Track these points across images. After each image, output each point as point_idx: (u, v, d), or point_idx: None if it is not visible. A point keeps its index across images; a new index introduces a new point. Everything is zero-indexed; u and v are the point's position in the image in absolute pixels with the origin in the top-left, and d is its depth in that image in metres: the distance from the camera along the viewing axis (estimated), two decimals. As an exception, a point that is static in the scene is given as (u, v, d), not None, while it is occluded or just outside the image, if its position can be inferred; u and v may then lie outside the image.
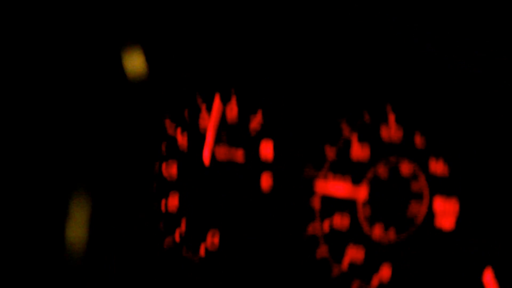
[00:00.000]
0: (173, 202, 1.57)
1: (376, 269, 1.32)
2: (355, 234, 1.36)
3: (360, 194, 1.35)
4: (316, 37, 1.43)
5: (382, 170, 1.34)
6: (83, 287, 1.53)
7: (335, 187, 1.38)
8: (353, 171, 1.37)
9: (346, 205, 1.37)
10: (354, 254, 1.35)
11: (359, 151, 1.37)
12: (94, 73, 1.61)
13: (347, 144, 1.39)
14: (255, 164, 1.48)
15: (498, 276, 1.18)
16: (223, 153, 1.52)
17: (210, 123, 1.53)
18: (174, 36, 1.57)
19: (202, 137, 1.54)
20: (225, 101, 1.54)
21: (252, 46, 1.51)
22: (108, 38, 1.57)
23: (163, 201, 1.59)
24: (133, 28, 1.60)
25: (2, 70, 1.56)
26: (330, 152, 1.40)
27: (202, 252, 1.52)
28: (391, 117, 1.34)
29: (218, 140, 1.53)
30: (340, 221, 1.38)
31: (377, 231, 1.33)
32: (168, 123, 1.60)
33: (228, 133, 1.52)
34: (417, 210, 1.28)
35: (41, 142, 1.58)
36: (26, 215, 1.55)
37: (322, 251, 1.39)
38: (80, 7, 1.55)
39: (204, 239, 1.53)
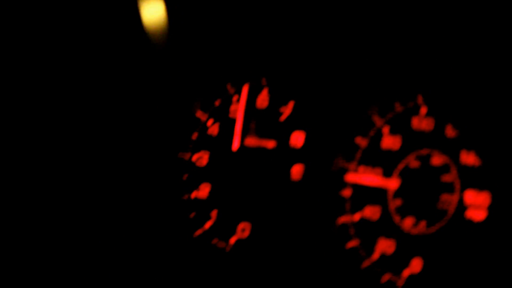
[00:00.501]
0: (203, 191, 1.58)
1: (406, 261, 1.32)
2: (386, 226, 1.35)
3: (391, 185, 1.34)
4: (348, 28, 1.43)
5: (413, 162, 1.33)
6: (112, 274, 1.54)
7: (365, 177, 1.38)
8: (384, 163, 1.37)
9: (377, 197, 1.36)
10: (384, 246, 1.35)
11: (390, 142, 1.36)
12: (127, 64, 1.62)
13: (379, 135, 1.38)
14: (286, 154, 1.48)
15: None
16: (253, 143, 1.52)
17: (238, 113, 1.53)
18: (206, 25, 1.57)
19: (233, 127, 1.54)
20: (256, 91, 1.54)
21: (284, 36, 1.50)
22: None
23: (193, 191, 1.59)
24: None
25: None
26: (361, 143, 1.39)
27: (232, 241, 1.52)
28: (423, 108, 1.33)
29: (248, 131, 1.53)
30: (371, 212, 1.37)
31: (408, 223, 1.32)
32: (199, 113, 1.59)
33: (258, 123, 1.52)
34: (448, 202, 1.27)
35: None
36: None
37: (352, 242, 1.38)
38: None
39: (234, 228, 1.52)
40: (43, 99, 1.58)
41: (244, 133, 1.54)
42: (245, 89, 1.54)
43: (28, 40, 1.55)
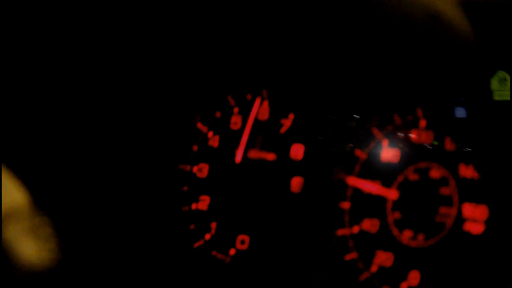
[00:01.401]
0: (203, 202, 1.58)
1: (404, 274, 1.32)
2: (384, 239, 1.35)
3: (391, 195, 1.35)
4: (347, 41, 1.43)
5: (412, 175, 1.33)
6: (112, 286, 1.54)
7: (366, 183, 1.38)
8: (383, 175, 1.37)
9: (376, 209, 1.37)
10: (383, 258, 1.35)
11: (389, 155, 1.37)
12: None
13: (378, 147, 1.39)
14: (285, 166, 1.48)
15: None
16: (254, 155, 1.52)
17: (247, 125, 1.53)
18: (206, 38, 1.58)
19: (233, 139, 1.55)
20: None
21: (284, 48, 1.51)
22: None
23: (193, 202, 1.60)
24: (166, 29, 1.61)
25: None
26: (361, 155, 1.40)
27: (232, 252, 1.53)
28: (422, 121, 1.34)
29: (251, 143, 1.53)
30: (370, 225, 1.37)
31: (406, 236, 1.32)
32: (200, 125, 1.60)
33: (263, 137, 1.52)
34: (447, 215, 1.28)
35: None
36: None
37: (351, 254, 1.39)
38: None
39: (233, 240, 1.53)
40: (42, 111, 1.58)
41: (248, 146, 1.54)
42: (257, 102, 1.54)
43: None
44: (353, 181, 1.40)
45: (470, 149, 1.27)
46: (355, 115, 1.44)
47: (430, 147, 1.32)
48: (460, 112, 1.29)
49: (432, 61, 1.33)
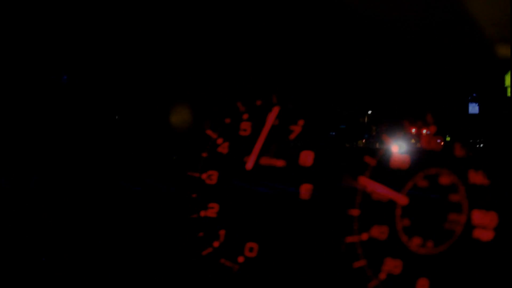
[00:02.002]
0: (212, 210, 1.57)
1: (414, 282, 1.30)
2: (393, 246, 1.34)
3: (401, 200, 1.33)
4: (357, 51, 1.43)
5: (421, 181, 1.32)
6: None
7: (377, 185, 1.37)
8: (393, 182, 1.36)
9: (385, 217, 1.36)
10: (391, 265, 1.34)
11: (399, 161, 1.36)
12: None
13: (387, 154, 1.37)
14: (294, 173, 1.47)
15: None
16: (265, 162, 1.51)
17: (262, 134, 1.52)
18: (215, 43, 1.58)
19: (243, 146, 1.54)
20: (266, 110, 1.54)
21: (294, 55, 1.51)
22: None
23: (202, 209, 1.59)
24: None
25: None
26: (370, 162, 1.39)
27: (240, 260, 1.51)
28: (432, 127, 1.32)
29: (263, 150, 1.52)
30: (379, 232, 1.36)
31: (415, 243, 1.31)
32: (209, 131, 1.60)
33: (277, 145, 1.51)
34: (456, 222, 1.26)
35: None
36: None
37: (360, 262, 1.37)
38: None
39: (242, 248, 1.52)
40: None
41: (260, 153, 1.53)
42: (274, 111, 1.53)
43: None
44: (365, 182, 1.38)
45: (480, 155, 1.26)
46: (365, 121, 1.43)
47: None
48: (473, 108, 1.28)
49: (441, 66, 1.32)
